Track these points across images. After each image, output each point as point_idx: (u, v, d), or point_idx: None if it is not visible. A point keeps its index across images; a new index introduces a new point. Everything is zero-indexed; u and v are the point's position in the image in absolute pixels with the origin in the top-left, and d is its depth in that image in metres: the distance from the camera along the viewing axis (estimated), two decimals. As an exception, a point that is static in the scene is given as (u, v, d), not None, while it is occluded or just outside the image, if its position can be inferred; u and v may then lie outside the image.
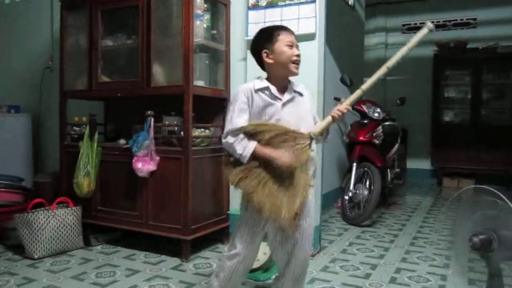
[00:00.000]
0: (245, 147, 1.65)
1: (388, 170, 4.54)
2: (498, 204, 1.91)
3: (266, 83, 1.73)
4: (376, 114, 4.32)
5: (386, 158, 4.42)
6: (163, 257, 2.91)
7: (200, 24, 2.94)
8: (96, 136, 3.13)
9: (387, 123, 4.40)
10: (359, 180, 4.04)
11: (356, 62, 5.43)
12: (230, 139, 1.68)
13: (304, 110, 1.78)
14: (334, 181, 4.61)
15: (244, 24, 3.11)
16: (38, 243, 2.86)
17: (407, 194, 5.56)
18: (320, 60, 2.95)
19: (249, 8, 3.08)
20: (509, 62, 5.97)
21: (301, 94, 1.79)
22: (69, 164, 3.23)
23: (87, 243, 3.15)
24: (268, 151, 1.63)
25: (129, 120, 3.19)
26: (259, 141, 1.65)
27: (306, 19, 2.88)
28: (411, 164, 6.65)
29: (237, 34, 3.19)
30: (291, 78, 1.80)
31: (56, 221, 2.96)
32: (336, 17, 4.16)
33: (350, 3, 4.89)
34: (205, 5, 3.00)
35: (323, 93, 3.04)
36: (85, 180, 3.05)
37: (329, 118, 1.69)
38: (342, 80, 4.33)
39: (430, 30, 1.73)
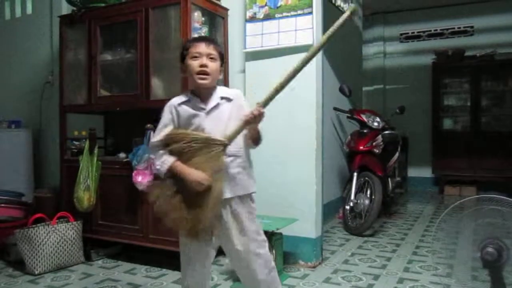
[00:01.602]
0: (162, 162, 1.68)
1: (389, 179, 4.53)
2: (502, 212, 1.91)
3: (188, 96, 1.77)
4: (376, 123, 4.32)
5: (386, 167, 4.41)
6: (164, 270, 2.90)
7: (198, 37, 2.96)
8: (96, 150, 3.13)
9: (386, 132, 4.39)
10: (360, 189, 4.03)
11: (354, 72, 5.45)
12: (152, 156, 1.75)
13: (233, 115, 1.72)
14: (335, 191, 4.60)
15: (242, 36, 3.13)
16: (39, 259, 2.85)
17: (409, 203, 5.54)
18: (318, 71, 2.97)
19: (246, 21, 3.10)
20: (507, 68, 5.99)
21: (229, 100, 1.76)
22: (69, 179, 3.23)
23: (87, 258, 3.13)
24: (181, 169, 1.64)
25: (129, 133, 3.20)
26: (174, 153, 1.67)
27: (303, 30, 2.90)
28: (412, 172, 6.64)
29: (235, 46, 3.21)
30: (221, 85, 1.83)
31: (56, 236, 2.95)
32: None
33: (355, 21, 4.91)
34: (203, 18, 3.03)
35: (322, 103, 3.05)
36: (85, 194, 3.04)
37: (241, 122, 1.64)
38: (341, 90, 4.35)
39: (353, 11, 1.64)
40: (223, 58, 1.80)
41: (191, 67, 1.72)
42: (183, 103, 1.76)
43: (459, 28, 6.60)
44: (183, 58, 1.76)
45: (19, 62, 4.52)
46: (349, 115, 4.45)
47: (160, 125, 1.77)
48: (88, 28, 3.26)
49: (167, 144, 1.69)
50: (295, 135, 2.99)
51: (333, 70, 4.40)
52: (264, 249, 1.79)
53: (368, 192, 3.96)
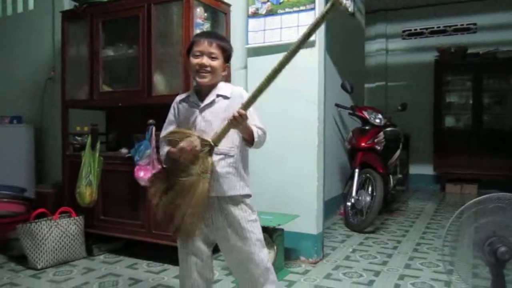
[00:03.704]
0: (163, 150, 1.76)
1: (391, 176, 4.53)
2: (505, 210, 1.91)
3: (188, 93, 1.82)
4: (378, 120, 4.32)
5: (388, 164, 4.42)
6: (166, 265, 2.91)
7: (201, 33, 2.96)
8: (98, 145, 3.14)
9: (388, 129, 4.40)
10: (361, 186, 4.03)
11: (356, 69, 5.44)
12: (160, 150, 1.82)
13: (227, 113, 1.65)
14: (337, 187, 4.60)
15: (244, 32, 3.12)
16: (41, 253, 2.86)
17: (410, 200, 5.54)
18: (320, 67, 2.96)
19: (249, 16, 3.10)
20: (509, 66, 5.98)
21: (226, 97, 1.74)
22: (71, 174, 3.24)
23: (89, 253, 3.14)
24: (172, 149, 1.68)
25: (131, 129, 3.20)
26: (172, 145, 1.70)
27: (306, 26, 2.88)
28: (414, 169, 6.64)
29: (237, 42, 3.20)
30: (224, 82, 1.81)
31: (58, 231, 2.96)
32: (336, 24, 4.18)
33: (350, 10, 4.91)
34: (205, 14, 3.03)
35: (324, 100, 3.05)
36: (87, 189, 3.05)
37: (226, 123, 1.62)
38: (343, 87, 4.35)
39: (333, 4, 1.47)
40: (229, 55, 1.78)
41: (192, 65, 1.73)
42: (183, 100, 1.81)
43: (462, 25, 6.59)
44: (189, 54, 1.76)
45: (21, 57, 4.53)
46: (351, 111, 4.45)
47: (166, 122, 1.85)
48: (90, 23, 3.26)
49: (169, 141, 1.72)
50: (297, 132, 2.99)
51: (335, 67, 4.40)
52: (260, 254, 1.74)
53: (370, 189, 3.97)
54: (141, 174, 2.85)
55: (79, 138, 3.38)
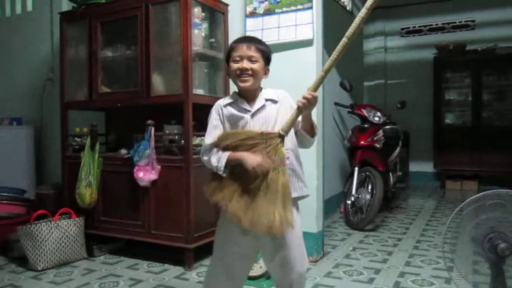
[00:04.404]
0: (219, 158, 1.64)
1: (390, 174, 4.53)
2: (504, 206, 1.92)
3: (233, 98, 1.75)
4: (377, 118, 4.32)
5: (387, 162, 4.41)
6: (166, 266, 2.91)
7: (198, 33, 2.96)
8: (97, 146, 3.14)
9: (388, 127, 4.39)
10: (361, 184, 4.03)
11: (355, 67, 5.44)
12: (205, 157, 1.71)
13: (279, 116, 1.68)
14: (337, 186, 4.60)
15: (242, 31, 3.12)
16: (41, 255, 2.87)
17: (410, 198, 5.55)
18: (318, 65, 2.96)
19: (246, 16, 3.10)
20: (508, 63, 5.97)
21: (274, 101, 1.72)
22: (71, 175, 3.24)
23: (90, 254, 3.15)
24: (239, 155, 1.59)
25: (130, 129, 3.21)
26: (230, 148, 1.63)
27: (304, 25, 2.90)
28: (414, 167, 6.64)
29: (235, 42, 3.21)
30: (265, 86, 1.77)
31: (59, 233, 2.96)
32: (334, 22, 4.16)
33: (348, 8, 4.91)
34: (203, 14, 3.03)
35: (323, 98, 3.05)
36: (87, 190, 3.05)
37: (294, 110, 1.60)
38: (342, 85, 4.35)
39: None
40: (268, 57, 1.75)
41: (232, 70, 1.70)
42: (228, 104, 1.74)
43: (461, 22, 6.58)
44: (228, 60, 1.74)
45: (20, 59, 4.53)
46: (350, 110, 4.45)
47: (209, 127, 1.76)
48: (89, 24, 3.26)
49: (220, 144, 1.66)
50: (296, 130, 2.99)
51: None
52: (304, 266, 1.74)
53: (369, 187, 3.97)
54: (141, 174, 2.85)
55: (78, 139, 3.38)
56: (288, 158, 1.63)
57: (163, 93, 3.00)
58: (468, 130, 6.21)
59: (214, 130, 1.73)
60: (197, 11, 2.95)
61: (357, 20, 1.58)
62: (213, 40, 3.18)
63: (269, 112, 1.70)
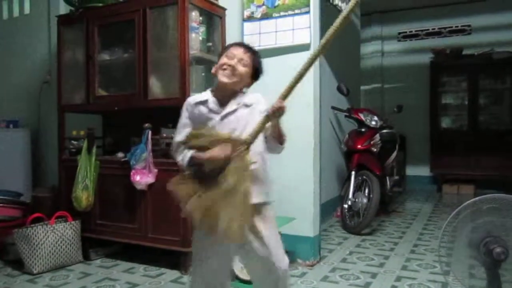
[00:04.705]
0: (184, 156, 1.66)
1: (387, 178, 4.55)
2: (500, 210, 1.93)
3: (206, 96, 1.73)
4: (374, 122, 4.33)
5: (384, 165, 4.42)
6: (163, 269, 2.90)
7: (196, 37, 2.96)
8: (94, 149, 3.13)
9: (384, 130, 4.41)
10: (358, 188, 4.04)
11: (352, 71, 5.45)
12: (174, 154, 1.73)
13: (250, 121, 1.63)
14: (333, 190, 4.61)
15: (240, 35, 3.13)
16: (37, 258, 2.86)
17: (407, 201, 5.55)
18: (316, 70, 2.97)
19: (244, 20, 3.11)
20: (504, 67, 6.01)
21: (247, 106, 1.69)
22: (68, 178, 3.23)
23: (86, 257, 3.14)
24: (202, 154, 1.57)
25: (127, 133, 3.20)
26: (196, 148, 1.61)
27: (301, 29, 2.91)
28: (411, 171, 6.66)
29: (233, 45, 3.21)
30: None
31: (55, 236, 2.95)
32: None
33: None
34: (201, 18, 3.03)
35: (320, 102, 3.06)
36: (83, 194, 3.05)
37: (263, 117, 1.58)
38: (339, 89, 4.37)
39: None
40: (258, 73, 1.76)
41: (220, 63, 1.70)
42: (200, 103, 1.72)
43: (457, 27, 6.62)
44: (220, 57, 1.75)
45: (17, 61, 4.52)
46: (347, 114, 4.46)
47: (179, 124, 1.76)
48: (86, 27, 3.26)
49: (187, 143, 1.65)
50: (293, 134, 2.95)
51: (331, 69, 4.41)
52: (283, 263, 1.71)
53: (366, 190, 3.97)
54: (138, 178, 2.85)
55: (75, 142, 3.37)
56: (255, 162, 1.60)
57: (160, 96, 2.99)
58: (464, 134, 6.24)
59: (183, 128, 1.73)
60: (194, 15, 2.95)
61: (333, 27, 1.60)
62: (210, 44, 3.18)
63: (240, 116, 1.67)
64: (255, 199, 1.61)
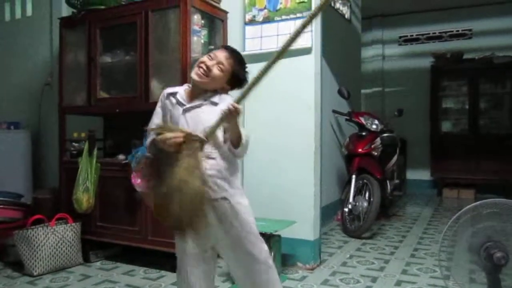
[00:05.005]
0: (149, 139, 1.72)
1: (388, 182, 4.54)
2: (501, 215, 1.93)
3: (178, 89, 1.79)
4: (374, 126, 4.34)
5: (385, 169, 4.43)
6: (163, 272, 2.90)
7: (198, 40, 2.97)
8: (95, 151, 3.14)
9: (385, 134, 4.41)
10: (358, 192, 4.04)
11: (353, 74, 5.46)
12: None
13: (213, 120, 1.61)
14: (334, 193, 4.60)
15: (241, 39, 3.14)
16: (38, 260, 2.86)
17: (407, 205, 5.55)
18: (317, 73, 2.98)
19: (245, 23, 3.12)
20: (505, 71, 6.02)
21: (215, 104, 1.71)
22: (69, 180, 3.23)
23: (86, 259, 3.14)
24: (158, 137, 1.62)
25: (128, 135, 3.20)
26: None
27: (302, 33, 2.91)
28: (411, 175, 6.66)
29: (234, 49, 3.22)
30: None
31: (55, 238, 2.95)
32: (333, 30, 4.20)
33: (346, 16, 4.94)
34: (202, 21, 3.04)
35: (321, 106, 3.06)
36: (84, 196, 3.05)
37: (218, 117, 1.58)
38: (340, 93, 4.37)
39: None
40: (235, 82, 1.77)
41: (199, 60, 1.74)
42: (171, 94, 1.78)
43: (458, 31, 6.63)
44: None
45: (18, 63, 4.53)
46: (347, 117, 4.46)
47: (154, 112, 1.83)
48: (88, 30, 3.27)
49: (157, 134, 1.68)
50: (294, 138, 3.00)
51: (331, 73, 4.42)
52: (262, 252, 1.74)
53: (367, 194, 3.97)
54: (138, 180, 2.84)
55: (76, 144, 3.38)
56: (214, 158, 1.66)
57: (161, 99, 2.99)
58: (465, 138, 6.24)
59: (155, 116, 1.81)
60: (196, 18, 2.96)
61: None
62: (212, 47, 3.18)
63: (203, 113, 1.70)
64: (215, 194, 1.65)
